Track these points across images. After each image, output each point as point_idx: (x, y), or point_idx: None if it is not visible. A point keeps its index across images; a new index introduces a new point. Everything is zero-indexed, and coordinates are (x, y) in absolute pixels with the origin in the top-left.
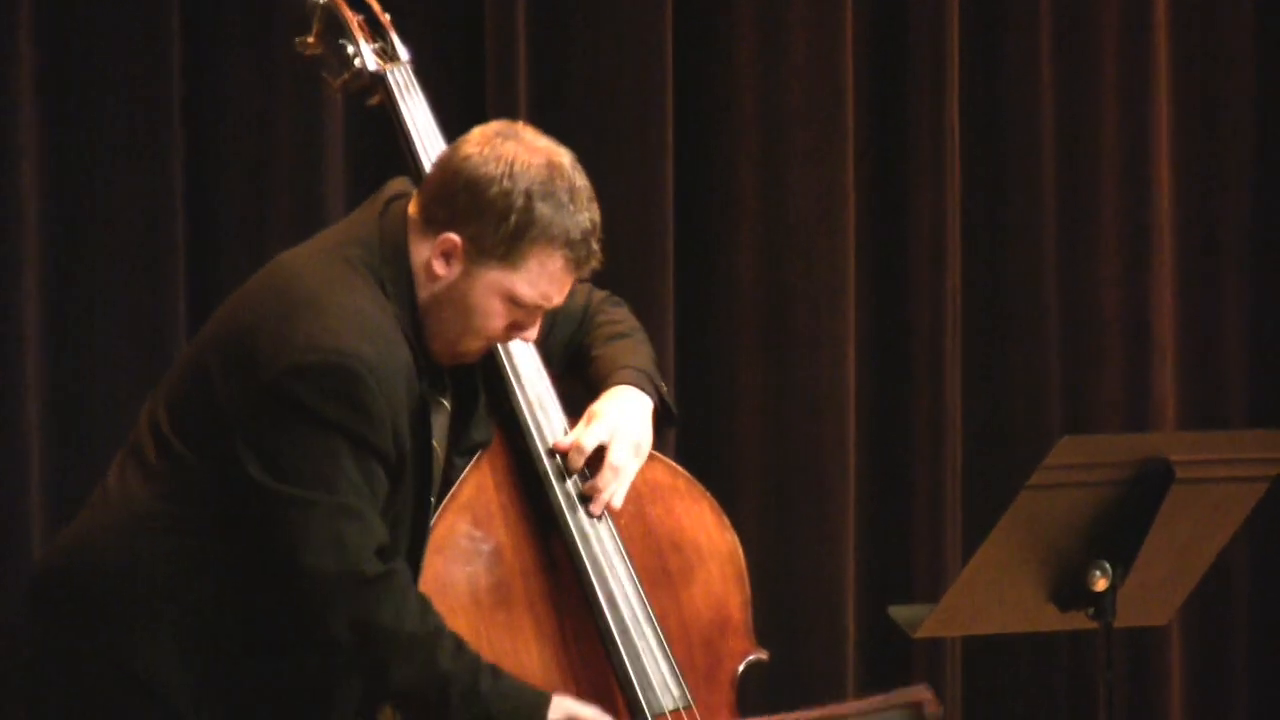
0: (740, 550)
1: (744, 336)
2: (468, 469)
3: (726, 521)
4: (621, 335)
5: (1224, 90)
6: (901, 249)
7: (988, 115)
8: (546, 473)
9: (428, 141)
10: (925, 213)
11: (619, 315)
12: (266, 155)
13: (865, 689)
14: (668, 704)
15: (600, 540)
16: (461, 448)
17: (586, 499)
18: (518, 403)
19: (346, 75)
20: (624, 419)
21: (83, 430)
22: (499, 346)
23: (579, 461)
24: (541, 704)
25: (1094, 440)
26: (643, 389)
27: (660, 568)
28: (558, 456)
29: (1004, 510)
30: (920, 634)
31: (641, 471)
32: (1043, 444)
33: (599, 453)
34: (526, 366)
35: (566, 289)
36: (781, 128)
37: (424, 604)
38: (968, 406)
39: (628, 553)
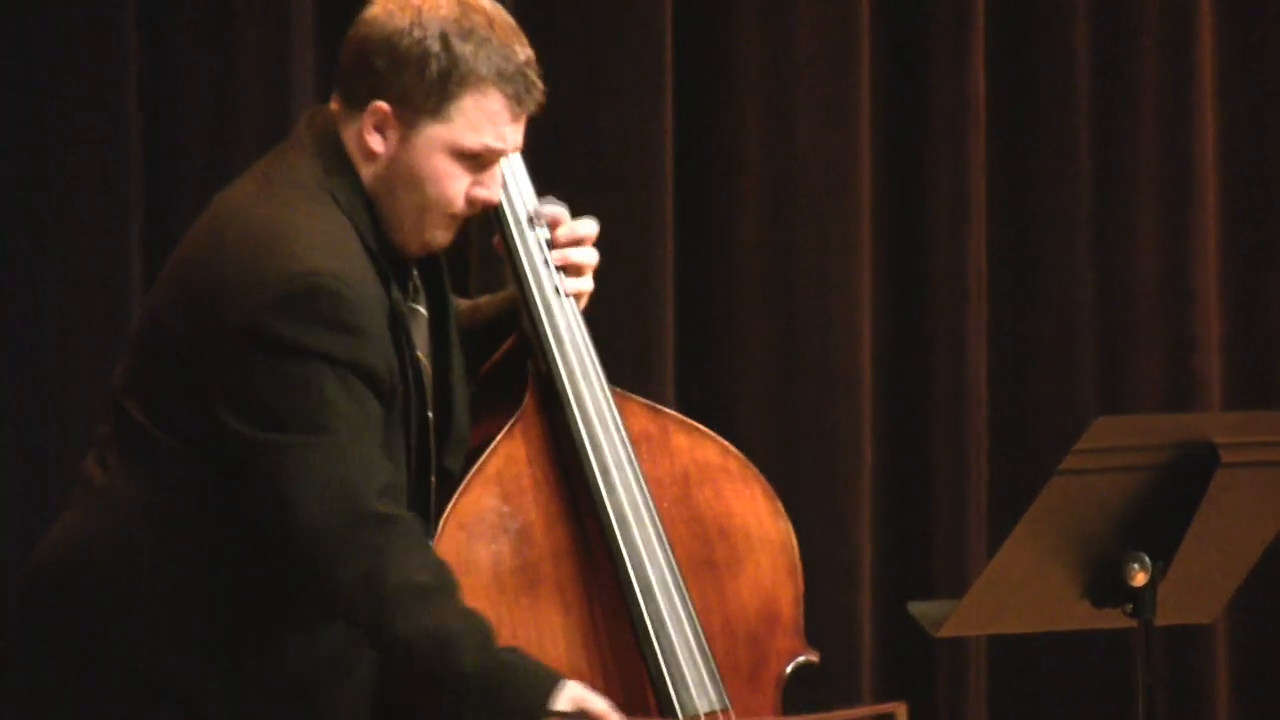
0: (794, 541)
1: (748, 309)
2: (499, 438)
3: (781, 508)
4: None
5: (1274, 40)
6: (920, 213)
7: (1016, 66)
8: (584, 444)
9: None
10: (946, 173)
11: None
12: (229, 111)
13: (882, 693)
14: (703, 705)
15: (641, 523)
16: (450, 359)
17: (629, 477)
18: (556, 368)
19: None
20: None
21: (31, 409)
22: (534, 298)
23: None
24: (550, 684)
25: (1131, 421)
26: None
27: (705, 557)
28: (597, 428)
29: (1033, 498)
30: (942, 633)
31: (690, 450)
32: (1075, 425)
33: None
34: (566, 327)
35: (514, 130)
36: (789, 80)
37: (438, 559)
38: (993, 385)
39: (669, 539)
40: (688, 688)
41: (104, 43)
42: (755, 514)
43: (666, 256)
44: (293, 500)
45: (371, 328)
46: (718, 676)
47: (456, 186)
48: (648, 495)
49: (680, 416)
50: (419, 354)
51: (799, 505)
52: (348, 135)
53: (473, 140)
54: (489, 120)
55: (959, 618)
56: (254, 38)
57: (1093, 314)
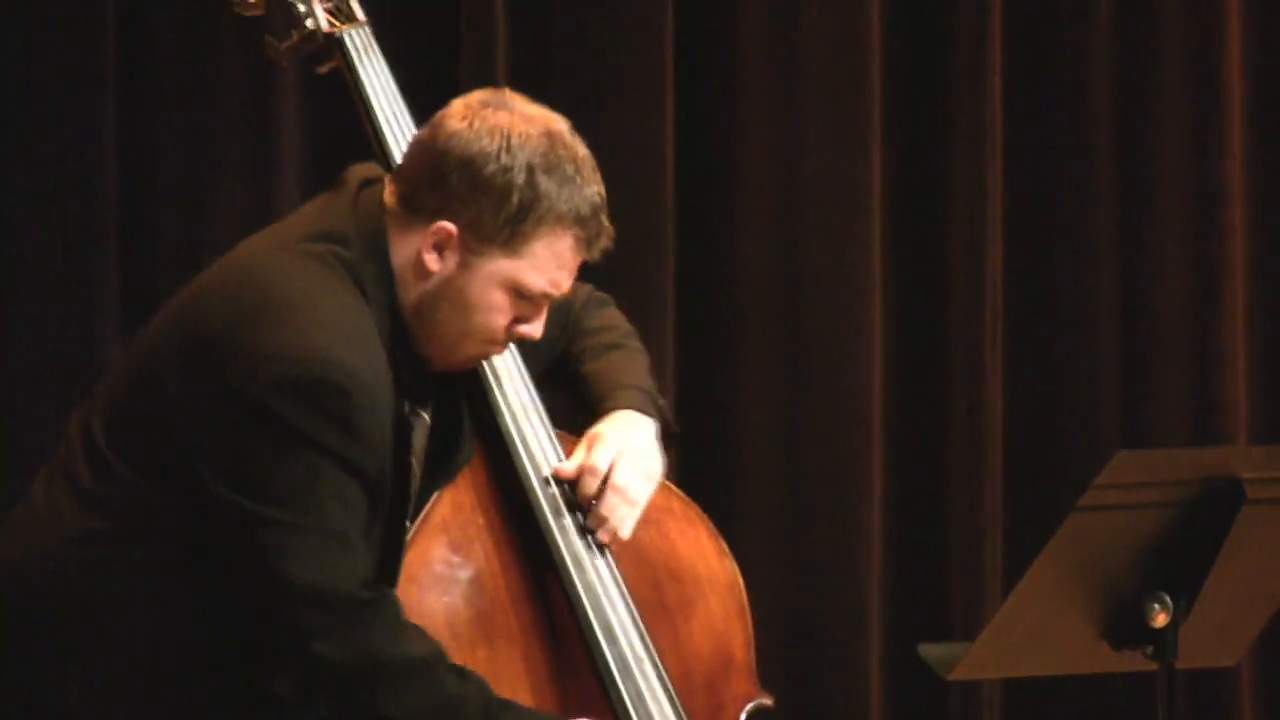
0: (740, 581)
1: (753, 332)
2: (444, 485)
3: (725, 548)
4: (614, 345)
5: None
6: (935, 230)
7: (1035, 72)
8: (533, 490)
9: (391, 114)
10: (962, 187)
11: (608, 319)
12: (208, 122)
13: None
14: None
15: (595, 567)
16: (445, 469)
17: (580, 522)
18: (500, 411)
19: (295, 38)
20: (631, 442)
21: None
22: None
23: (593, 486)
24: None
25: (1153, 456)
26: (645, 411)
27: (656, 600)
28: (545, 471)
29: (1051, 535)
30: (954, 676)
31: None
32: (1095, 459)
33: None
34: (506, 369)
35: (574, 274)
36: (797, 95)
37: (419, 629)
38: (1010, 415)
39: (624, 581)
40: None
41: (82, 44)
42: (702, 554)
43: (667, 278)
44: (279, 574)
45: (373, 432)
46: (685, 719)
47: (503, 320)
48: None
49: None
50: (411, 459)
51: (804, 542)
52: (397, 241)
53: (535, 281)
54: (558, 262)
55: (972, 660)
56: (233, 40)
57: (1115, 337)
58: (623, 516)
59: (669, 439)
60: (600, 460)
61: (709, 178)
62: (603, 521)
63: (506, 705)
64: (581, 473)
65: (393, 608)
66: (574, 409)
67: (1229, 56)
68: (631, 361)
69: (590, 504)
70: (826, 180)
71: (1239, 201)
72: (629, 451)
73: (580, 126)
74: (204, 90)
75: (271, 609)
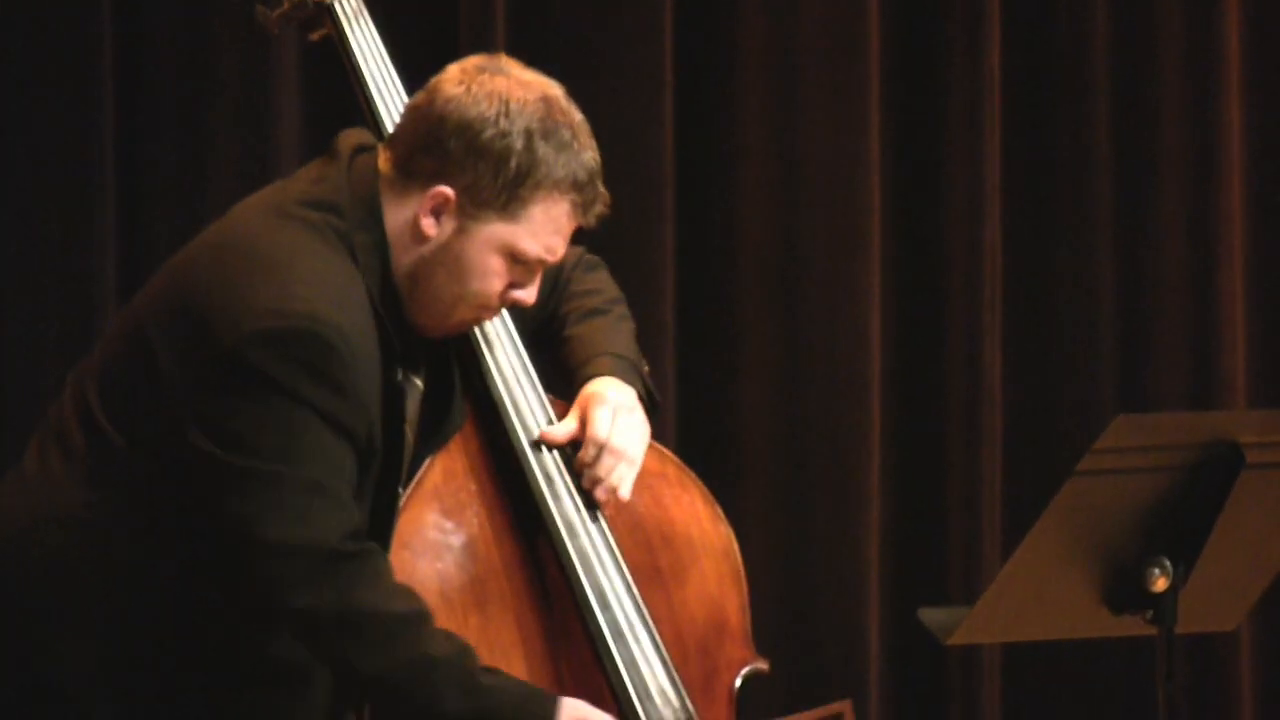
0: (736, 546)
1: (751, 306)
2: (436, 452)
3: (720, 513)
4: (598, 311)
5: None
6: (933, 206)
7: (1034, 44)
8: (525, 455)
9: (382, 80)
10: (960, 164)
11: (596, 282)
12: (206, 90)
13: (891, 704)
14: (668, 716)
15: (588, 532)
16: (437, 435)
17: (573, 486)
18: (490, 377)
19: (286, 5)
20: (622, 400)
21: None
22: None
23: (593, 454)
24: (550, 702)
25: (1153, 420)
26: (626, 378)
27: (650, 565)
28: (537, 436)
29: (1049, 500)
30: (954, 641)
31: None
32: (1094, 425)
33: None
34: (497, 335)
35: (568, 239)
36: (795, 66)
37: (406, 588)
38: (1008, 383)
39: (617, 546)
40: (652, 699)
41: (77, 23)
42: (696, 520)
43: (666, 251)
44: (259, 526)
45: (357, 388)
46: (680, 686)
47: (499, 284)
48: (592, 501)
49: None
50: (406, 427)
51: (803, 507)
52: (391, 207)
53: (532, 246)
54: (554, 228)
55: (972, 625)
56: (230, 34)
57: (1113, 310)
58: (621, 475)
59: (652, 412)
60: (601, 428)
61: (708, 149)
62: (598, 481)
63: (488, 672)
64: (581, 440)
65: (377, 562)
66: (558, 376)
67: (1228, 24)
68: (613, 326)
69: (586, 467)
70: (825, 151)
71: (1238, 170)
72: (622, 410)
73: (579, 98)
74: (201, 82)
75: (253, 562)
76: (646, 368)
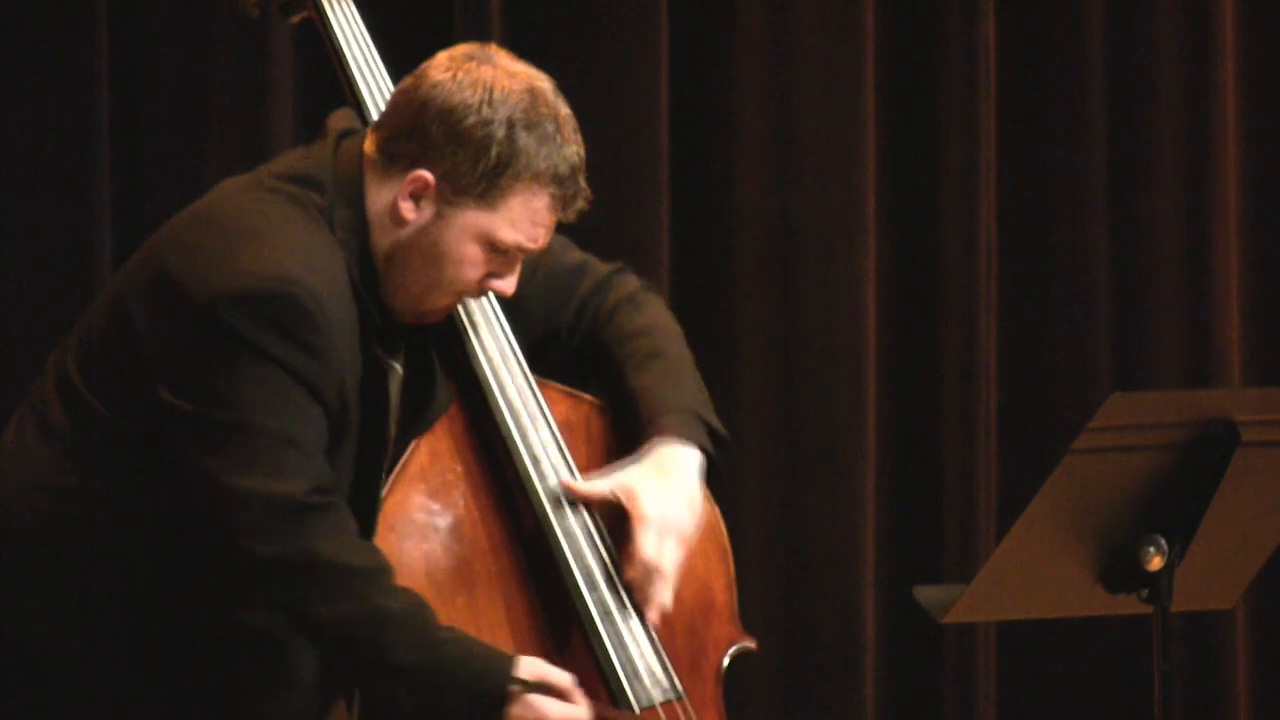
0: (723, 524)
1: (746, 282)
2: (421, 435)
3: (706, 491)
4: (658, 353)
5: None
6: (928, 181)
7: (1028, 26)
8: (512, 436)
9: (363, 62)
10: (955, 140)
11: (649, 318)
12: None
13: (886, 682)
14: (657, 695)
15: (576, 510)
16: (421, 419)
17: (558, 467)
18: (476, 358)
19: None
20: (668, 499)
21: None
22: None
23: (643, 575)
24: (506, 659)
25: (1147, 398)
26: (692, 436)
27: (631, 541)
28: (524, 417)
29: (1045, 478)
30: (949, 619)
31: (609, 434)
32: (1089, 403)
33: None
34: (484, 317)
35: (549, 231)
36: (790, 41)
37: (369, 544)
38: (1003, 361)
39: (603, 525)
40: (640, 678)
41: (74, 18)
42: None
43: (661, 226)
44: (228, 476)
45: (329, 350)
46: (669, 665)
47: (476, 273)
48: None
49: (597, 400)
50: (389, 411)
51: (798, 486)
52: (373, 189)
53: (510, 236)
54: (532, 219)
55: (967, 603)
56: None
57: (1107, 287)
58: (661, 593)
59: (719, 447)
60: (650, 548)
61: (703, 123)
62: (650, 602)
63: (449, 631)
64: (642, 567)
65: (341, 516)
66: (563, 368)
67: (1222, 15)
68: (678, 373)
69: (637, 588)
70: (820, 124)
71: (1232, 144)
72: (668, 514)
73: (574, 79)
74: (198, 78)
75: (221, 512)
76: (716, 422)
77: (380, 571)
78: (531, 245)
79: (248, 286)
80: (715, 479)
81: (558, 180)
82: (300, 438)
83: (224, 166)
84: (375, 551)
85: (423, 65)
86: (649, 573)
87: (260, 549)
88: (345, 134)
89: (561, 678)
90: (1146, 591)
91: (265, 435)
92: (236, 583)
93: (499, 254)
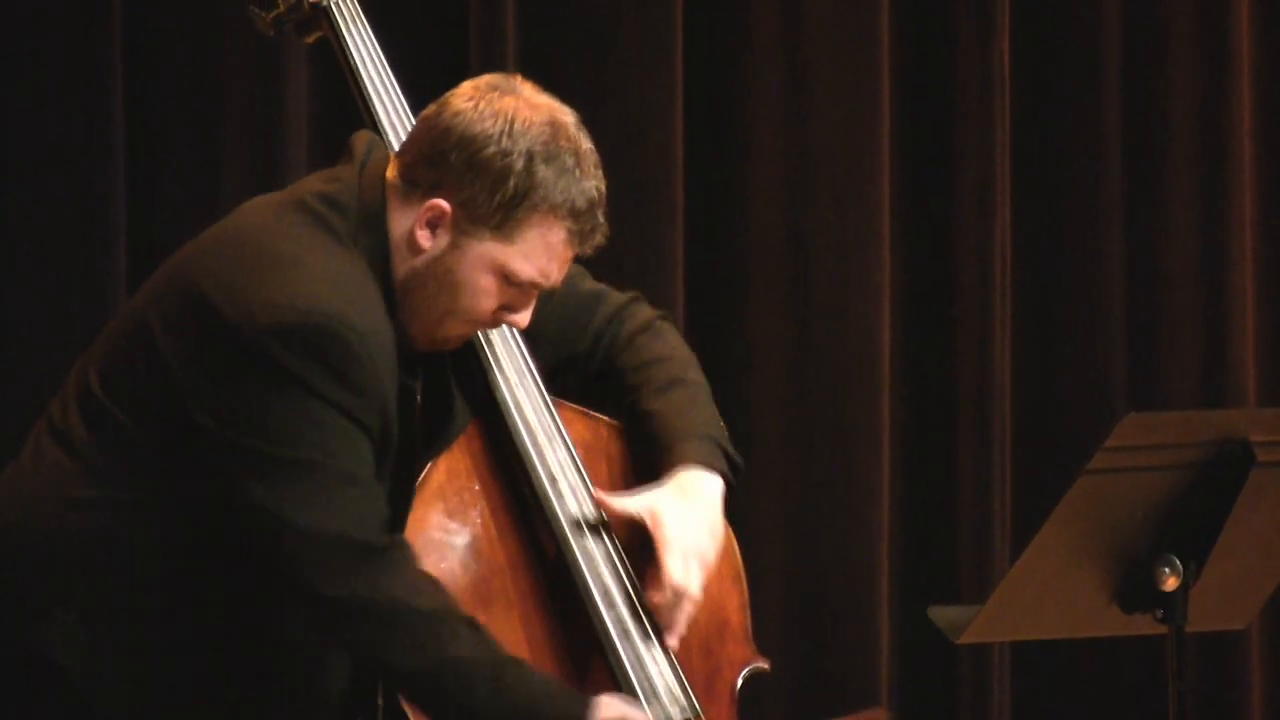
0: (736, 545)
1: (761, 299)
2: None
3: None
4: (676, 381)
5: None
6: (943, 198)
7: (1043, 36)
8: (529, 455)
9: (379, 81)
10: (970, 156)
11: (666, 346)
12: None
13: (900, 701)
14: (676, 715)
15: (594, 529)
16: (440, 439)
17: (582, 485)
18: (493, 375)
19: (281, 7)
20: (691, 524)
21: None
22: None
23: (670, 599)
24: (586, 700)
25: (1163, 418)
26: (713, 464)
27: (652, 564)
28: (541, 436)
29: (1060, 498)
30: (964, 639)
31: (625, 455)
32: (1104, 421)
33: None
34: (502, 336)
35: (566, 266)
36: (805, 57)
37: (432, 580)
38: (1018, 378)
39: (621, 546)
40: (659, 698)
41: (88, 26)
42: None
43: (676, 243)
44: (292, 513)
45: (372, 385)
46: (686, 684)
47: (490, 304)
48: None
49: (613, 421)
50: (415, 427)
51: (813, 504)
52: (395, 215)
53: (524, 268)
54: (548, 253)
55: (982, 624)
56: (240, 33)
57: (1123, 304)
58: (687, 614)
59: (736, 473)
60: (677, 573)
61: (718, 141)
62: (674, 626)
63: (515, 664)
64: (671, 591)
65: (407, 555)
66: (578, 394)
67: (1240, 15)
68: (696, 400)
69: (661, 611)
70: (836, 142)
71: (1248, 161)
72: (689, 540)
73: (589, 93)
74: (213, 94)
75: (284, 549)
76: (732, 450)
77: (447, 614)
78: (544, 281)
79: (293, 322)
80: (730, 502)
81: (575, 214)
82: (362, 475)
83: (238, 182)
84: (438, 589)
85: (447, 94)
86: (677, 597)
87: (327, 589)
88: (368, 156)
89: (643, 717)
90: (1161, 611)
91: (331, 473)
92: (284, 608)
93: (513, 286)
